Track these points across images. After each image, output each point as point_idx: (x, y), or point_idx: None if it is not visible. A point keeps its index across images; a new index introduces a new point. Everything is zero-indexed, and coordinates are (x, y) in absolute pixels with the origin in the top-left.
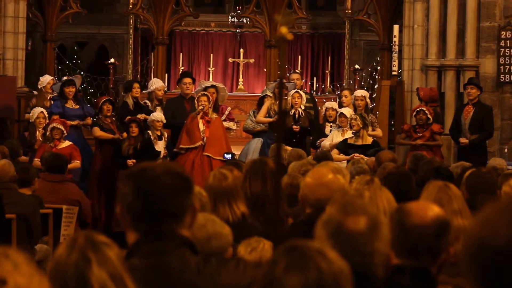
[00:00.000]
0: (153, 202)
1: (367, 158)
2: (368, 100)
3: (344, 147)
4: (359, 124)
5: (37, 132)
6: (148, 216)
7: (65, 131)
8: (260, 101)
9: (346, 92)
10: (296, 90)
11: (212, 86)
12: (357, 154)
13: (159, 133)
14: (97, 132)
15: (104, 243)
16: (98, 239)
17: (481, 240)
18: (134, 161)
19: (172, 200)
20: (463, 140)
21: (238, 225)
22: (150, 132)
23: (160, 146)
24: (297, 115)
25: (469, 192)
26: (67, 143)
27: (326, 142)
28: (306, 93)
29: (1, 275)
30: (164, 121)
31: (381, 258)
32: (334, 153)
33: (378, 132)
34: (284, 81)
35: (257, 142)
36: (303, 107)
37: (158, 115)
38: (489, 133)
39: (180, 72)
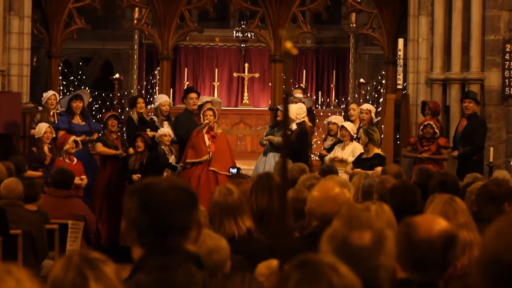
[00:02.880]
0: (158, 217)
1: (371, 172)
2: (373, 115)
3: (356, 161)
4: (363, 139)
5: (45, 147)
6: (154, 231)
7: (79, 145)
8: (275, 114)
9: (353, 106)
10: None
11: (207, 102)
12: (359, 169)
13: (168, 148)
14: (99, 148)
15: (100, 260)
16: (93, 256)
17: (495, 254)
18: (139, 176)
19: (177, 215)
20: (453, 153)
21: (244, 240)
22: (163, 147)
23: (172, 161)
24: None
25: (477, 204)
26: (75, 159)
27: (327, 157)
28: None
29: None
30: (172, 135)
31: (386, 272)
32: (349, 168)
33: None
34: (300, 96)
35: (262, 158)
36: (297, 121)
37: (165, 129)
38: (476, 147)
39: (184, 88)
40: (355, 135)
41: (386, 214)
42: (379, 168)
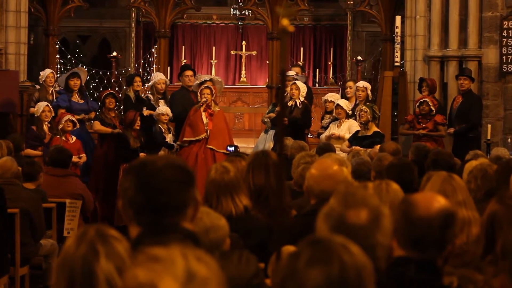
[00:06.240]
0: (155, 196)
1: (370, 149)
2: (369, 92)
3: (352, 139)
4: (368, 117)
5: (44, 126)
6: (150, 209)
7: (77, 124)
8: (277, 92)
9: (350, 83)
10: (293, 81)
11: (210, 79)
12: (358, 147)
13: (166, 127)
14: (97, 126)
15: (114, 237)
16: (108, 232)
17: None
18: (145, 154)
19: (174, 193)
20: (449, 130)
21: (241, 218)
22: (160, 125)
23: (169, 139)
24: (293, 107)
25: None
26: (74, 138)
27: (323, 135)
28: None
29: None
30: (170, 114)
31: (383, 250)
32: (345, 145)
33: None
34: (292, 73)
35: (263, 136)
36: (301, 98)
37: (163, 108)
38: (473, 124)
39: (180, 66)
40: (350, 112)
41: (392, 193)
42: (378, 146)
